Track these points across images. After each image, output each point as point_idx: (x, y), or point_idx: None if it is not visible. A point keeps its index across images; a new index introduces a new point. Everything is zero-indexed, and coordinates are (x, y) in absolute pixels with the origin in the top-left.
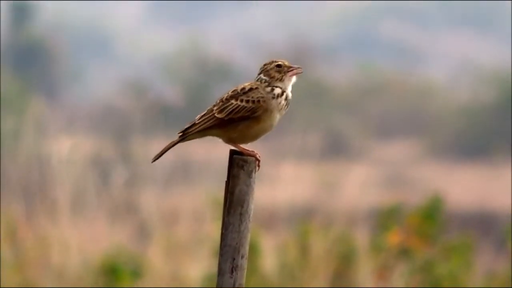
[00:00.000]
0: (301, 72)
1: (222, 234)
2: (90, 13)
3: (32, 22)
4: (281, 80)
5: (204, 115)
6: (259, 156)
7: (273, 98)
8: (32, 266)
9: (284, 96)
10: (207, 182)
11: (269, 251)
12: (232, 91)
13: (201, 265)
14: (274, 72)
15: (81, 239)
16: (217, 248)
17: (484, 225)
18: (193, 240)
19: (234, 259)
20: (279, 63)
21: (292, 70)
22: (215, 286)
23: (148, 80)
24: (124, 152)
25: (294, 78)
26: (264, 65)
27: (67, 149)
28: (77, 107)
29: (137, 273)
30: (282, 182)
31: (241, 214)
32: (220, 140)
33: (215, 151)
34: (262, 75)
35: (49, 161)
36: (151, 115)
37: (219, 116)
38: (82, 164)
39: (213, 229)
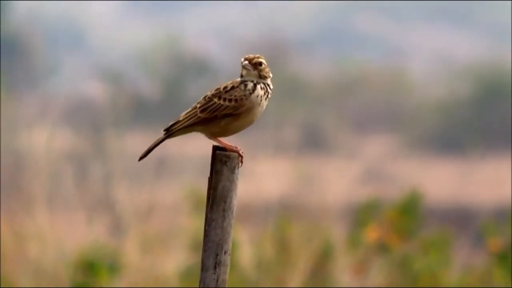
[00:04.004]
0: (245, 64)
1: (205, 230)
2: (65, 6)
3: (6, 15)
4: (242, 75)
5: (188, 112)
6: (242, 152)
7: (250, 93)
8: (8, 261)
9: (259, 87)
10: (184, 176)
11: (246, 246)
12: (215, 90)
13: (177, 259)
14: (241, 68)
15: (57, 233)
16: (194, 242)
17: (461, 220)
18: (170, 234)
19: (217, 255)
20: (242, 59)
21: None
22: (197, 281)
23: (123, 73)
24: (100, 145)
25: (251, 70)
26: None
27: (43, 142)
28: (53, 100)
29: (114, 268)
30: (260, 176)
31: (224, 210)
32: (199, 135)
33: (192, 145)
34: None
35: (25, 154)
36: (127, 108)
37: (202, 115)
38: (58, 157)
39: (190, 223)
